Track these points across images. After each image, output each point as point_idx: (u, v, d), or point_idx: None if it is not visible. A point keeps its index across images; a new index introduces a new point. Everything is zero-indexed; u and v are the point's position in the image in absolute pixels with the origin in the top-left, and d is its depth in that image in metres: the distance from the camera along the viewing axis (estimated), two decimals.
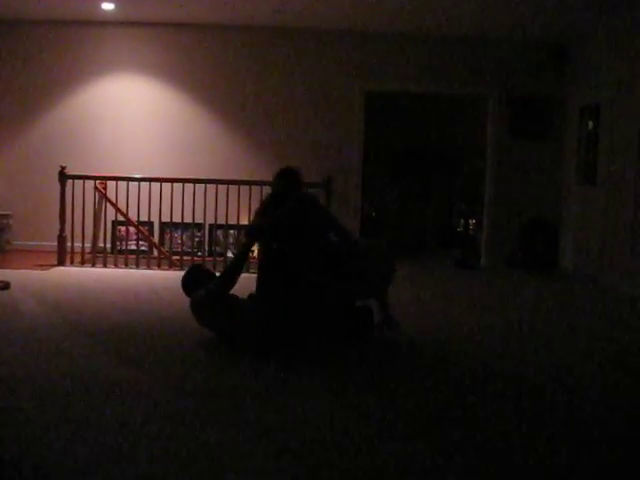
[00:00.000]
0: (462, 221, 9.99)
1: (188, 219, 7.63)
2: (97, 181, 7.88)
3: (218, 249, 8.13)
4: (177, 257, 7.68)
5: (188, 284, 4.57)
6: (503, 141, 8.58)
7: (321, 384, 3.54)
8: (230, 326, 4.21)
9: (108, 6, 7.73)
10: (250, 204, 7.40)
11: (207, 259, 7.67)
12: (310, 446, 2.69)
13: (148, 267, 7.49)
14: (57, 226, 7.55)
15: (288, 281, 4.24)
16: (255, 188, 7.48)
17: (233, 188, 7.49)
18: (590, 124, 7.83)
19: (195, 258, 7.67)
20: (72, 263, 7.52)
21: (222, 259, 7.56)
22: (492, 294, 6.71)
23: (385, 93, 9.07)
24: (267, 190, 7.54)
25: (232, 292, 4.33)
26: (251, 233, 4.77)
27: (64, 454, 2.53)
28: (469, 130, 10.13)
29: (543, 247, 8.41)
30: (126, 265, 7.51)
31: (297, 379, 3.61)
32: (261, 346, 4.04)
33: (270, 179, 7.78)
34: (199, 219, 7.63)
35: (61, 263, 7.46)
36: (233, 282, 4.37)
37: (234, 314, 4.21)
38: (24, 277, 6.49)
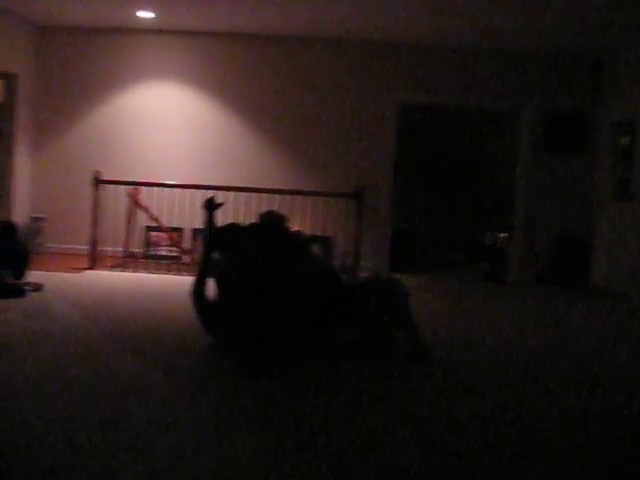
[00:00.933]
0: (492, 235, 9.93)
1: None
2: (130, 187, 7.98)
3: None
4: None
5: None
6: (535, 156, 8.52)
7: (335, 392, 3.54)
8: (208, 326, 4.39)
9: (147, 14, 7.85)
10: (282, 212, 7.45)
11: None
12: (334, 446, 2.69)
13: (178, 273, 7.55)
14: (90, 230, 7.65)
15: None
16: (286, 197, 7.53)
17: (265, 196, 7.54)
18: (625, 139, 7.77)
19: None
20: (104, 267, 7.61)
21: None
22: (520, 309, 6.63)
23: (418, 106, 9.07)
24: (298, 200, 7.62)
25: None
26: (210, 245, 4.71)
27: (94, 454, 2.56)
28: (501, 144, 10.09)
29: (574, 263, 8.34)
30: (157, 270, 7.59)
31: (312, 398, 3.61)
32: (235, 345, 4.17)
33: (302, 188, 7.88)
34: None
35: (93, 267, 7.56)
36: (202, 284, 4.47)
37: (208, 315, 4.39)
38: (57, 279, 6.58)
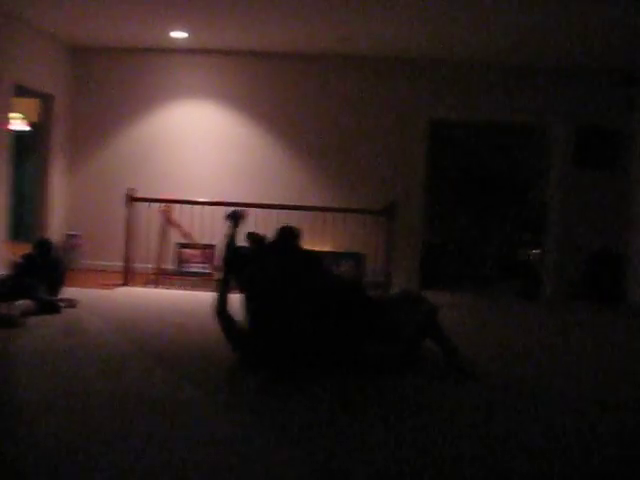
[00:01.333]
0: (525, 251, 9.86)
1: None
2: (162, 204, 8.06)
3: None
4: None
5: None
6: (568, 171, 8.45)
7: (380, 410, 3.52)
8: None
9: (181, 34, 7.98)
10: (312, 230, 7.48)
11: None
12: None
13: (210, 289, 7.59)
14: (123, 247, 7.74)
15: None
16: (318, 214, 7.56)
17: (296, 214, 7.57)
18: None
19: None
20: (137, 284, 7.69)
21: None
22: (553, 326, 6.55)
23: (449, 122, 9.06)
24: (329, 216, 7.64)
25: None
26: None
27: (130, 471, 2.58)
28: (533, 159, 10.02)
29: (609, 279, 8.22)
30: (188, 287, 7.65)
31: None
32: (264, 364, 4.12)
33: (333, 205, 7.90)
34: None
35: (126, 283, 7.64)
36: (223, 302, 4.45)
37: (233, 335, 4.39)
38: (91, 296, 6.66)
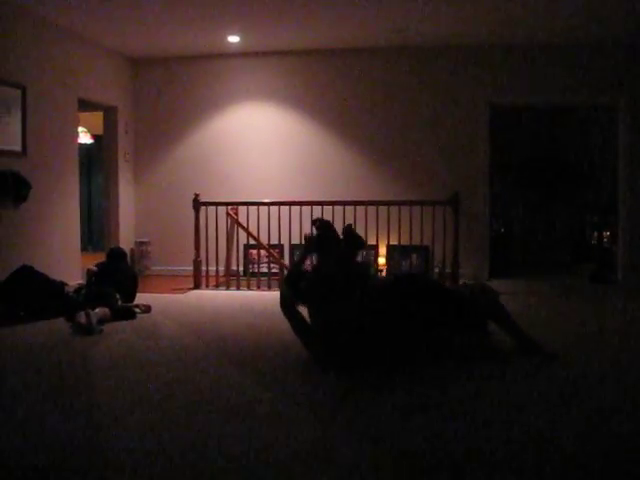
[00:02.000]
0: (596, 234, 9.62)
1: None
2: (229, 207, 8.15)
3: None
4: None
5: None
6: (636, 151, 8.21)
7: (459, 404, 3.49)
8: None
9: (233, 39, 8.07)
10: (377, 224, 7.46)
11: None
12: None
13: (279, 289, 7.64)
14: (192, 251, 7.87)
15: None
16: (382, 208, 7.53)
17: (360, 209, 7.56)
18: None
19: None
20: (207, 286, 7.80)
21: None
22: (630, 311, 6.38)
23: (510, 106, 8.91)
24: (393, 210, 7.60)
25: None
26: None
27: (213, 473, 2.62)
28: (600, 140, 9.77)
29: None
30: (258, 287, 7.72)
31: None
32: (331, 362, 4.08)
33: (396, 198, 7.87)
34: None
35: (197, 286, 7.76)
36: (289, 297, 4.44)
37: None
38: (163, 301, 6.79)
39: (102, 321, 5.41)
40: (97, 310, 5.44)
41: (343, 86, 8.69)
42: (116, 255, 6.52)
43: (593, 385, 3.77)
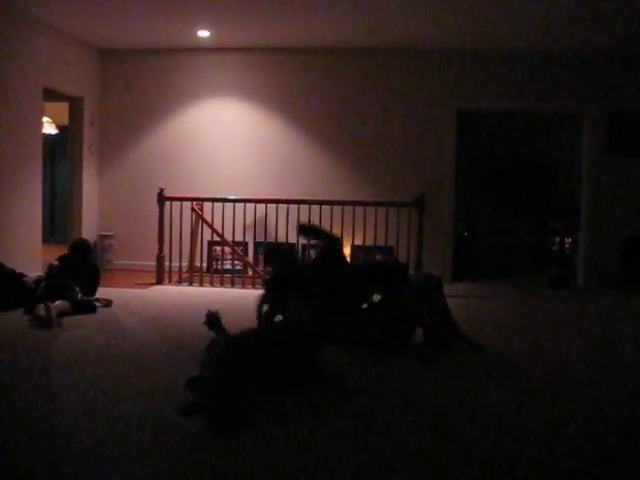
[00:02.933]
0: (557, 239, 9.76)
1: (282, 239, 7.75)
2: (194, 202, 8.11)
3: None
4: None
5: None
6: (600, 158, 8.35)
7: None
8: None
9: (204, 33, 8.04)
10: (343, 224, 7.48)
11: None
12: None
13: (243, 286, 7.64)
14: (156, 246, 7.81)
15: None
16: (348, 208, 7.56)
17: (326, 208, 7.58)
18: None
19: None
20: (170, 282, 7.76)
21: None
22: (586, 315, 6.49)
23: (478, 111, 8.99)
24: (359, 210, 7.63)
25: None
26: None
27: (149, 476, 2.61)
28: (564, 147, 9.92)
29: None
30: (222, 284, 7.70)
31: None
32: None
33: (362, 198, 7.90)
34: (292, 239, 7.74)
35: (160, 282, 7.71)
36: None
37: None
38: (125, 295, 6.73)
39: (62, 314, 5.35)
40: (57, 303, 5.38)
41: (312, 85, 8.70)
42: (79, 247, 6.43)
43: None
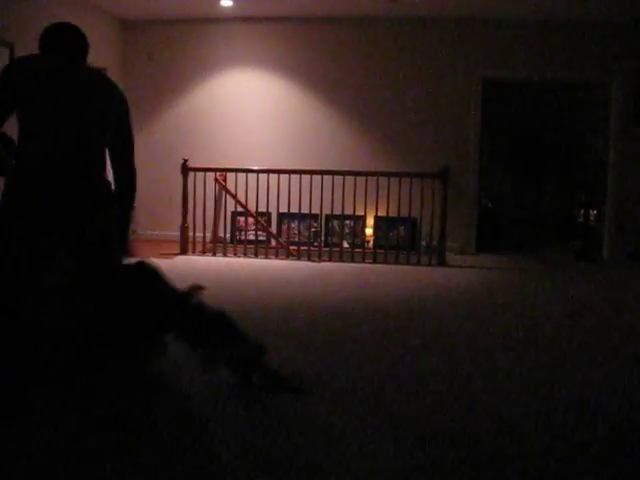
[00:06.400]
0: (582, 211, 9.68)
1: (305, 210, 7.73)
2: (217, 173, 8.11)
3: (334, 239, 8.20)
4: (294, 247, 7.83)
5: None
6: (626, 128, 8.21)
7: None
8: None
9: (227, 2, 7.97)
10: (366, 195, 7.46)
11: (323, 249, 7.78)
12: None
13: (266, 256, 7.66)
14: (179, 216, 7.83)
15: None
16: (371, 179, 7.52)
17: (349, 179, 7.55)
18: None
19: (311, 248, 7.77)
20: (194, 252, 7.79)
21: (338, 249, 7.67)
22: (612, 289, 6.43)
23: (503, 81, 8.87)
24: (382, 181, 7.58)
25: None
26: None
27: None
28: (590, 117, 9.78)
29: None
30: (245, 255, 7.72)
31: None
32: None
33: (386, 169, 7.84)
34: (315, 210, 7.74)
35: (183, 252, 7.75)
36: None
37: None
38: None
39: None
40: None
41: (335, 55, 8.61)
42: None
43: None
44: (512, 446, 2.54)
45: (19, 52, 6.73)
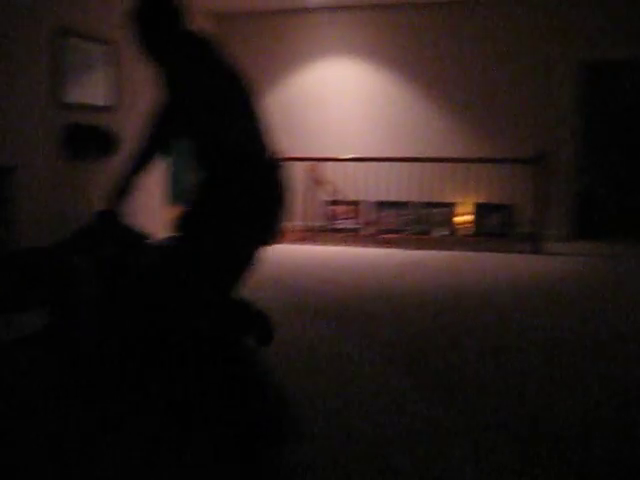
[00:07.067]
0: None
1: (396, 197, 7.72)
2: (309, 162, 8.18)
3: (425, 227, 8.13)
4: (386, 235, 7.83)
5: None
6: None
7: None
8: None
9: None
10: (457, 182, 7.38)
11: (414, 237, 7.75)
12: None
13: (358, 245, 7.69)
14: None
15: None
16: (461, 165, 7.44)
17: (440, 166, 7.48)
18: None
19: (404, 236, 7.75)
20: (288, 241, 7.90)
21: (427, 237, 7.63)
22: None
23: (602, 61, 8.50)
24: (472, 168, 7.47)
25: None
26: None
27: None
28: None
29: None
30: (337, 243, 7.77)
31: None
32: None
33: (480, 155, 7.70)
34: (407, 197, 7.71)
35: (279, 241, 7.85)
36: None
37: None
38: None
39: None
40: None
41: (425, 40, 8.51)
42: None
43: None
44: None
45: (121, 49, 6.97)
